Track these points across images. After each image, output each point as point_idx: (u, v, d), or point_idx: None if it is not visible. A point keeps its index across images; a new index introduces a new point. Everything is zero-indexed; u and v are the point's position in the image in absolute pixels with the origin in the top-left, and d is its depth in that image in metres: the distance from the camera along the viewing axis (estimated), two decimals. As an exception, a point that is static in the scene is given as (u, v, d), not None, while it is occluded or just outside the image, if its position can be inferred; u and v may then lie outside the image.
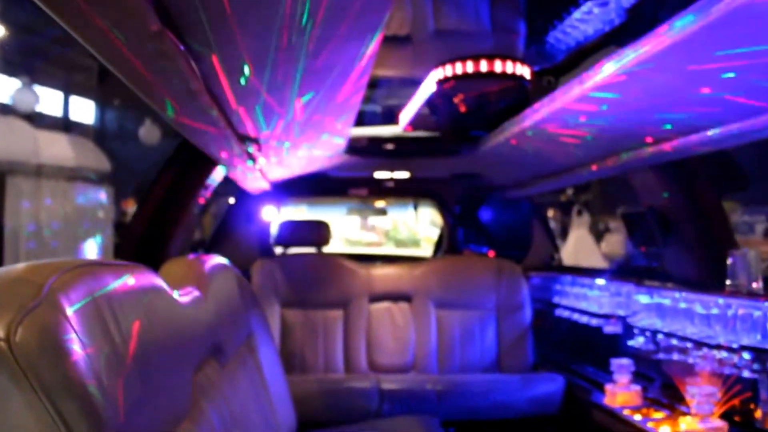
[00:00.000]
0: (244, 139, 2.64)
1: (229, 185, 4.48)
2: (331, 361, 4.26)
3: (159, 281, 1.72)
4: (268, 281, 4.32)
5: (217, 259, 2.79)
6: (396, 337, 4.30)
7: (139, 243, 3.04)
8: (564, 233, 10.79)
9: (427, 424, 3.23)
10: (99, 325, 1.23)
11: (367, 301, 4.37)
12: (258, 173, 3.69)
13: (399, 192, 5.23)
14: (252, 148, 2.91)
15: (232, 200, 4.90)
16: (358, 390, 3.81)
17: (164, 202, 3.06)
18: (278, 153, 3.25)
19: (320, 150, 3.46)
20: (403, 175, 4.59)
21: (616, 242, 9.99)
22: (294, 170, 4.17)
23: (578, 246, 9.10)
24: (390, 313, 4.36)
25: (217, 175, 3.25)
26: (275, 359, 3.32)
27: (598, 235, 11.10)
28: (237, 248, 4.65)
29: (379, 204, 6.63)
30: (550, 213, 12.60)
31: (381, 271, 4.48)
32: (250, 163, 3.18)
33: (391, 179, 4.79)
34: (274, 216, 4.98)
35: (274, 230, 4.87)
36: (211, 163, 3.09)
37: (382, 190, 5.11)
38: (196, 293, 2.18)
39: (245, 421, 2.38)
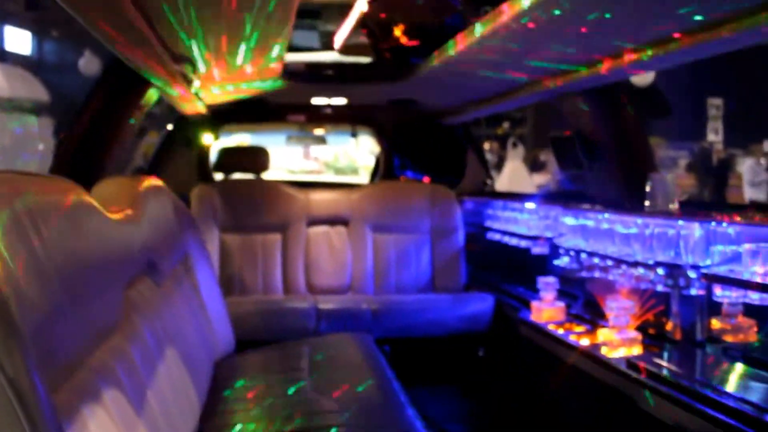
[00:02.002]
0: (177, 59, 2.62)
1: (173, 113, 4.45)
2: (270, 284, 4.34)
3: (87, 198, 1.73)
4: (207, 206, 4.34)
5: (153, 182, 2.80)
6: (333, 259, 4.40)
7: (72, 163, 3.02)
8: (500, 165, 10.97)
9: (360, 340, 3.34)
10: (17, 234, 1.22)
11: (305, 225, 4.43)
12: (194, 97, 3.67)
13: (337, 119, 5.25)
14: (187, 70, 2.89)
15: (170, 126, 4.85)
16: (296, 310, 3.91)
17: (96, 122, 3.03)
18: (213, 75, 3.24)
19: (255, 73, 3.45)
20: (341, 101, 4.61)
21: (548, 173, 10.21)
22: (231, 94, 4.14)
23: (513, 176, 9.29)
24: (327, 237, 4.45)
25: (151, 96, 3.23)
26: (213, 281, 3.37)
27: (533, 167, 11.31)
28: (176, 174, 4.63)
29: (318, 132, 6.64)
30: (487, 145, 12.78)
31: (319, 196, 4.54)
32: (185, 85, 3.16)
33: (329, 105, 4.81)
34: (213, 142, 4.96)
35: (213, 156, 4.86)
36: (144, 84, 3.06)
37: (320, 116, 5.13)
38: (129, 212, 2.20)
39: (181, 338, 2.44)
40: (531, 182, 9.60)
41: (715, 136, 15.73)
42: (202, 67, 2.89)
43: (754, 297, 2.31)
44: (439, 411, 3.73)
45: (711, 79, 14.89)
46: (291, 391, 2.72)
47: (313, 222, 4.46)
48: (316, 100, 4.63)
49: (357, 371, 2.90)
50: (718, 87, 15.51)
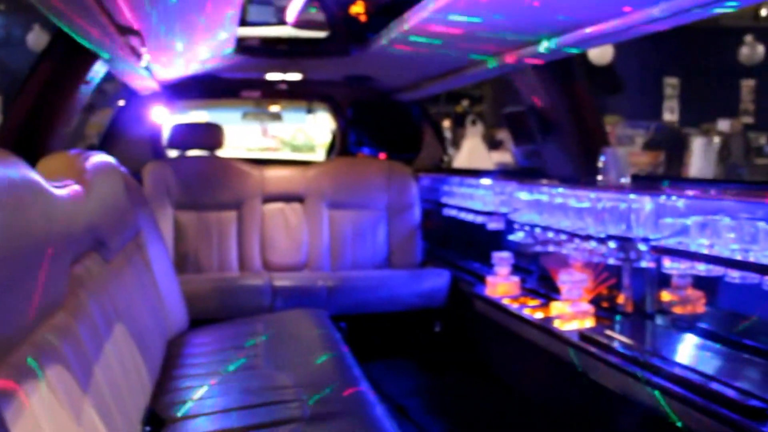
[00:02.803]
0: (124, 30, 2.55)
1: (126, 90, 4.36)
2: (225, 261, 4.30)
3: (29, 172, 1.68)
4: (160, 183, 4.28)
5: (102, 157, 2.73)
6: (289, 236, 4.37)
7: (17, 137, 2.94)
8: (459, 143, 11.01)
9: (315, 316, 3.33)
10: None
11: (260, 202, 4.40)
12: (145, 71, 3.59)
13: (292, 95, 5.20)
14: (135, 43, 2.82)
15: (122, 103, 4.75)
16: (251, 287, 3.88)
17: (41, 96, 2.95)
18: (163, 48, 3.17)
19: (207, 47, 3.39)
20: (296, 76, 4.56)
21: (507, 150, 10.29)
22: (183, 70, 4.07)
23: (472, 154, 9.33)
24: (283, 214, 4.42)
25: (99, 70, 3.15)
26: (166, 258, 3.32)
27: (492, 145, 11.38)
28: (127, 151, 4.54)
29: (274, 108, 6.57)
30: (447, 123, 12.80)
31: (274, 173, 4.50)
32: (134, 59, 3.09)
33: (284, 81, 4.75)
34: (166, 118, 4.88)
35: (166, 133, 4.78)
36: (90, 57, 2.98)
37: (275, 92, 5.06)
38: (76, 188, 2.14)
39: (131, 315, 2.40)
40: (490, 160, 9.66)
41: (671, 114, 15.96)
42: (150, 39, 2.82)
43: (701, 268, 2.34)
44: (395, 386, 3.75)
45: (668, 59, 15.10)
46: (245, 367, 2.71)
47: (269, 199, 4.43)
48: (271, 76, 4.57)
49: (311, 347, 2.89)
50: (675, 66, 15.73)
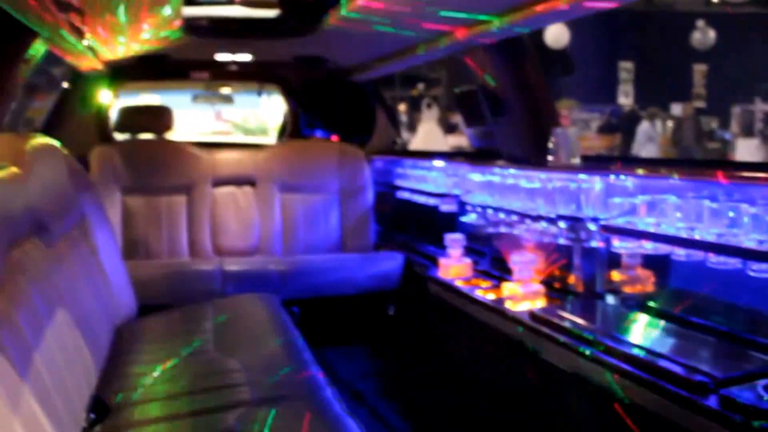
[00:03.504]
0: (63, 6, 2.47)
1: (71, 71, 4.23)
2: (175, 246, 4.23)
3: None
4: (107, 168, 4.19)
5: (42, 140, 2.66)
6: (240, 220, 4.31)
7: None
8: (415, 126, 11.01)
9: (266, 300, 3.30)
10: None
11: (210, 186, 4.33)
12: (88, 51, 3.49)
13: (242, 76, 5.11)
14: (75, 19, 2.74)
15: (66, 84, 4.62)
16: (201, 272, 3.82)
17: None
18: (105, 25, 3.08)
19: (152, 25, 3.30)
20: (246, 57, 4.48)
21: (463, 134, 10.31)
22: (129, 50, 3.97)
23: (427, 137, 9.32)
24: (234, 197, 4.36)
25: (39, 49, 3.05)
26: (112, 244, 3.25)
27: (448, 128, 11.39)
28: (72, 134, 4.43)
29: (225, 91, 6.47)
30: (402, 107, 12.78)
31: (224, 156, 4.44)
32: (76, 37, 3.00)
33: (234, 62, 4.67)
34: (113, 100, 4.76)
35: (113, 116, 4.68)
36: (29, 34, 2.88)
37: (225, 73, 4.97)
38: (14, 170, 2.08)
39: (75, 302, 2.34)
40: (446, 143, 9.66)
41: (625, 98, 16.13)
42: (90, 16, 2.74)
43: (648, 247, 2.36)
44: (349, 370, 3.74)
45: (623, 43, 15.26)
46: (194, 352, 2.67)
47: (219, 182, 4.36)
48: (220, 57, 4.48)
49: (261, 331, 2.86)
50: (630, 51, 15.90)
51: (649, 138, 11.46)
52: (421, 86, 13.00)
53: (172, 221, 4.25)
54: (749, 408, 1.72)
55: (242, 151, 4.55)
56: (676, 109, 14.64)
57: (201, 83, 5.71)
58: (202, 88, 6.39)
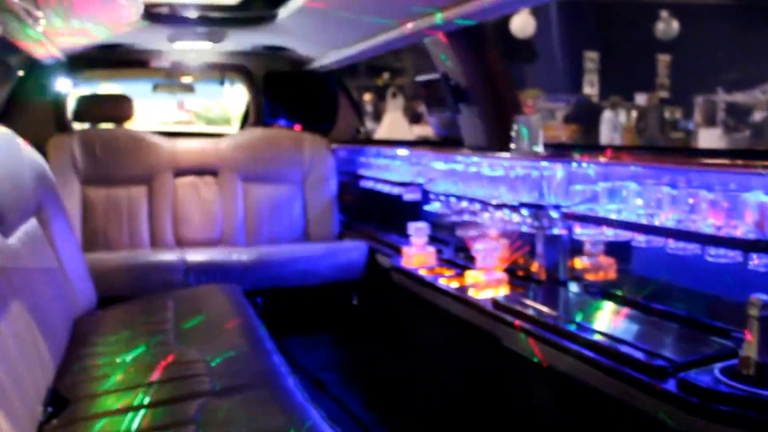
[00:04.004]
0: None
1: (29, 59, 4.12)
2: (136, 238, 4.17)
3: None
4: (66, 158, 4.11)
5: (-3, 129, 2.60)
6: (202, 211, 4.26)
7: None
8: (380, 116, 10.97)
9: (228, 291, 3.26)
10: None
11: (172, 176, 4.27)
12: (44, 38, 3.41)
13: (203, 65, 5.04)
14: (29, 6, 2.66)
15: (22, 72, 4.51)
16: (162, 264, 3.77)
17: None
18: (60, 14, 3.01)
19: (109, 11, 3.24)
20: (206, 46, 4.42)
21: (428, 124, 10.31)
22: (86, 37, 3.88)
23: (392, 127, 9.31)
24: (196, 188, 4.30)
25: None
26: (70, 236, 3.19)
27: (413, 118, 11.37)
28: (29, 123, 4.33)
29: (186, 80, 6.38)
30: (368, 97, 12.74)
31: (186, 146, 4.37)
32: (30, 22, 2.92)
33: (194, 51, 4.60)
34: (71, 89, 4.67)
35: (71, 105, 4.58)
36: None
37: (185, 62, 4.90)
38: (-36, 158, 2.03)
39: (31, 294, 2.30)
40: (411, 133, 9.65)
41: (591, 88, 16.22)
42: (46, 1, 2.67)
43: (609, 234, 2.37)
44: (313, 360, 3.72)
45: (588, 33, 15.33)
46: (154, 343, 2.63)
47: (181, 172, 4.30)
48: (181, 45, 4.41)
49: (223, 322, 2.82)
50: (596, 41, 15.98)
51: (613, 127, 11.56)
52: (386, 76, 12.96)
53: (132, 212, 4.19)
54: (706, 390, 1.74)
55: (204, 141, 4.49)
56: (641, 99, 14.75)
57: (161, 72, 5.64)
58: (162, 77, 6.31)
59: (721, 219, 1.96)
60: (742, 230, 1.87)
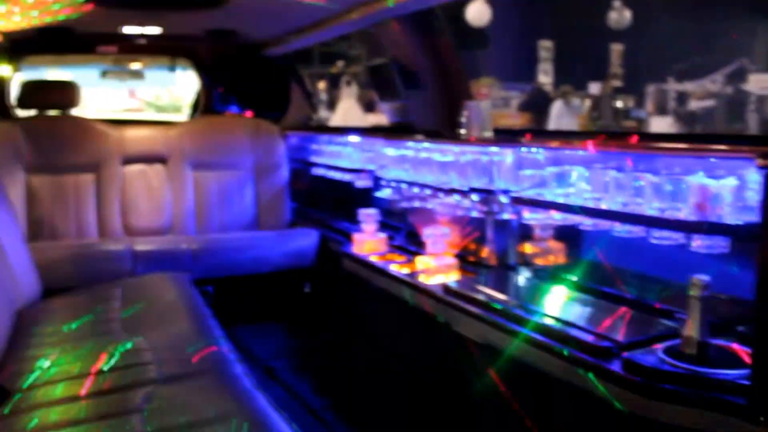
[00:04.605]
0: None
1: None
2: (83, 227, 4.08)
3: None
4: (9, 145, 4.01)
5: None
6: (151, 199, 4.19)
7: None
8: (335, 104, 10.90)
9: (176, 279, 3.21)
10: None
11: (119, 164, 4.18)
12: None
13: (152, 50, 4.93)
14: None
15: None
16: (110, 253, 3.70)
17: None
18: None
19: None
20: (155, 30, 4.32)
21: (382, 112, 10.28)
22: (27, 19, 3.77)
23: (347, 115, 9.26)
24: (144, 176, 4.22)
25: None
26: (13, 225, 3.12)
27: (368, 107, 11.33)
28: None
29: (135, 66, 6.24)
30: (322, 85, 12.66)
31: (134, 133, 4.29)
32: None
33: (143, 35, 4.50)
34: (13, 75, 4.54)
35: (14, 91, 4.46)
36: None
37: (133, 47, 4.79)
38: None
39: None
40: (365, 121, 9.61)
41: (545, 77, 16.33)
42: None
43: (557, 218, 2.38)
44: (264, 348, 3.69)
45: (543, 22, 15.43)
46: (100, 332, 2.59)
47: (129, 160, 4.21)
48: (128, 29, 4.31)
49: (170, 310, 2.79)
50: (550, 29, 16.09)
51: (562, 116, 11.68)
52: (340, 64, 12.87)
53: (79, 201, 4.10)
54: (649, 370, 1.76)
55: (153, 128, 4.41)
56: (594, 87, 14.91)
57: (109, 58, 5.51)
58: (110, 63, 6.17)
59: (665, 201, 1.98)
60: (685, 212, 1.89)
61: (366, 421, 2.87)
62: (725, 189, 1.81)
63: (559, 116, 11.44)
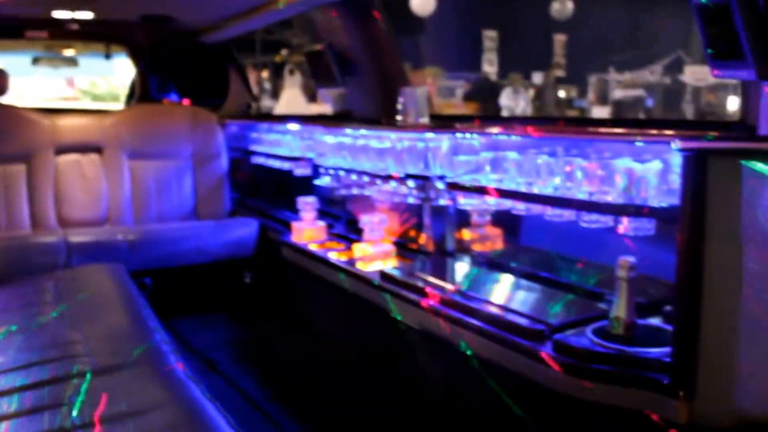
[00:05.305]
0: None
1: None
2: (15, 219, 3.96)
3: None
4: None
5: None
6: (86, 190, 4.08)
7: None
8: (279, 94, 10.81)
9: (111, 271, 3.15)
10: None
11: (53, 154, 4.07)
12: None
13: (85, 36, 4.80)
14: None
15: None
16: (43, 245, 3.60)
17: None
18: None
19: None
20: (87, 15, 4.21)
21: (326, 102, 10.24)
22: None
23: (290, 104, 9.19)
24: (79, 166, 4.12)
25: None
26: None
27: (312, 96, 11.26)
28: None
29: (68, 52, 6.07)
30: (265, 74, 12.55)
31: (67, 122, 4.17)
32: None
33: (74, 20, 4.37)
34: None
35: None
36: None
37: (65, 33, 4.65)
38: None
39: None
40: (309, 110, 9.55)
41: (490, 66, 16.43)
42: None
43: (491, 203, 2.40)
44: (204, 340, 3.64)
45: (487, 12, 15.52)
46: (32, 325, 2.52)
47: (63, 150, 4.10)
48: (59, 14, 4.19)
49: (105, 302, 2.73)
50: (494, 19, 16.19)
51: (511, 101, 11.80)
52: (284, 52, 12.76)
53: (10, 192, 3.97)
54: (579, 351, 1.79)
55: (88, 117, 4.29)
56: (537, 77, 15.08)
57: (40, 44, 5.35)
58: (42, 50, 5.97)
59: (595, 186, 2.01)
60: (613, 196, 1.92)
61: (307, 410, 2.86)
62: (650, 172, 1.84)
63: (509, 102, 11.57)
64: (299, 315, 3.62)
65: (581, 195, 2.02)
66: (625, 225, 1.87)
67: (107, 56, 4.98)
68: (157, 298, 3.22)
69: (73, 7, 4.02)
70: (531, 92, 14.46)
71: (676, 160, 1.74)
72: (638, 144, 1.92)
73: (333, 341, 3.27)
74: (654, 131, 1.85)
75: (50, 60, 6.52)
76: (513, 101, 11.14)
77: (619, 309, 1.83)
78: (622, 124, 2.01)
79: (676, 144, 1.56)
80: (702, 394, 1.55)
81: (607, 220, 1.94)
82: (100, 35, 4.69)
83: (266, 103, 9.89)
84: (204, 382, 2.05)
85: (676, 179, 1.80)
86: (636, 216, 1.84)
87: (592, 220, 1.98)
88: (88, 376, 2.03)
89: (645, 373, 1.67)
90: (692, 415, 1.57)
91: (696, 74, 12.48)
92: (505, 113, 11.25)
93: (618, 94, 14.38)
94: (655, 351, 1.71)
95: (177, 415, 1.78)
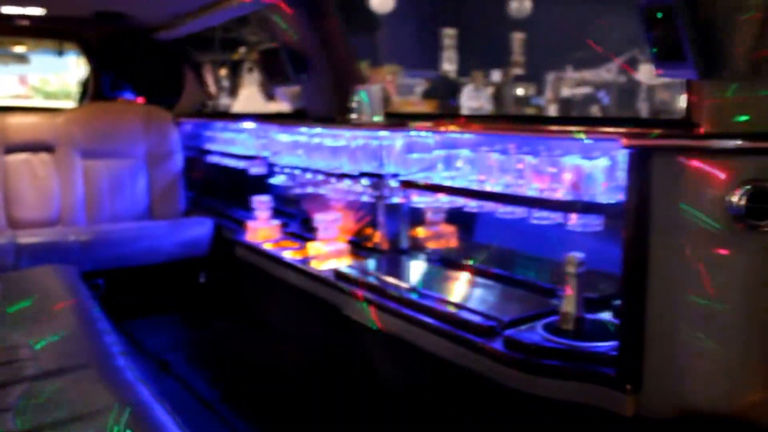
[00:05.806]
0: None
1: None
2: None
3: None
4: None
5: None
6: (37, 190, 4.00)
7: None
8: (237, 92, 10.70)
9: (62, 272, 3.09)
10: None
11: (2, 153, 3.98)
12: None
13: (35, 32, 4.69)
14: None
15: None
16: None
17: None
18: None
19: None
20: (37, 11, 4.11)
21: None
22: None
23: (248, 102, 9.10)
24: (30, 165, 4.03)
25: None
26: None
27: (271, 95, 11.18)
28: None
29: (19, 49, 5.94)
30: (223, 72, 12.41)
31: (17, 121, 4.08)
32: None
33: (24, 16, 4.27)
34: None
35: None
36: None
37: (14, 29, 4.55)
38: None
39: None
40: (267, 109, 9.47)
41: (449, 64, 16.49)
42: None
43: (444, 200, 2.41)
44: (158, 341, 3.60)
45: (446, 10, 15.57)
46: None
47: (12, 149, 4.01)
48: (7, 9, 4.08)
49: (53, 304, 2.67)
50: (453, 17, 16.25)
51: (472, 100, 11.88)
52: (242, 50, 12.64)
53: None
54: (529, 346, 1.80)
55: (39, 115, 4.20)
56: (495, 75, 15.17)
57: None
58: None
59: (545, 183, 2.02)
60: (562, 193, 1.94)
61: (260, 411, 2.84)
62: (597, 169, 1.86)
63: (469, 101, 11.65)
64: (254, 314, 3.60)
65: (531, 192, 2.04)
66: (573, 221, 1.88)
67: (60, 53, 4.89)
68: (111, 300, 3.17)
69: (23, 3, 3.93)
70: (490, 90, 14.55)
71: (623, 157, 1.76)
72: (587, 142, 1.94)
73: (288, 341, 3.26)
74: (603, 129, 1.87)
75: (-1, 57, 6.38)
76: (475, 101, 11.21)
77: (568, 304, 1.85)
78: (573, 122, 2.03)
79: (624, 142, 1.58)
80: (648, 386, 1.58)
81: (556, 217, 1.96)
82: (52, 32, 4.60)
83: (224, 101, 9.79)
84: (156, 384, 2.02)
85: (623, 176, 1.82)
86: (584, 212, 1.86)
87: (542, 217, 1.99)
88: (33, 381, 1.99)
89: (593, 367, 1.69)
90: (638, 407, 1.59)
91: (650, 73, 12.67)
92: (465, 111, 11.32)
93: (565, 92, 14.56)
94: (603, 345, 1.74)
95: (124, 417, 1.75)
